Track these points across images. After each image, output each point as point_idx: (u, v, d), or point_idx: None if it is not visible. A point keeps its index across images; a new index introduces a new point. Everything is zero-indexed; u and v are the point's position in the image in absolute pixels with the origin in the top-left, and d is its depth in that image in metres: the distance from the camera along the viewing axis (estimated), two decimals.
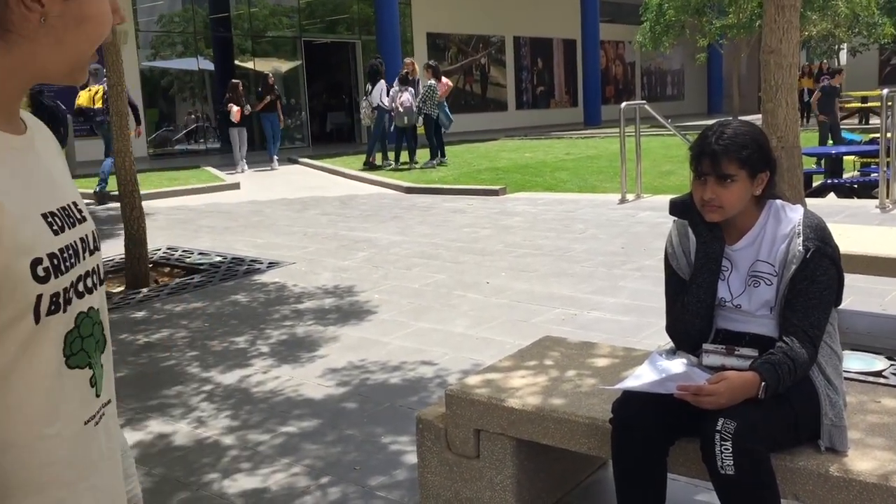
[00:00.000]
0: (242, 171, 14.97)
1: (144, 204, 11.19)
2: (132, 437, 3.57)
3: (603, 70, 30.37)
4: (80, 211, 1.04)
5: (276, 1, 23.37)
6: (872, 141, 12.79)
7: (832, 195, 9.95)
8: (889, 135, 7.84)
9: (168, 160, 18.76)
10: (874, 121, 21.25)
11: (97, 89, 12.04)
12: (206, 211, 10.24)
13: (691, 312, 2.35)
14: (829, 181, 10.40)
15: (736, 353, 2.28)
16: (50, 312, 0.93)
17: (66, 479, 0.97)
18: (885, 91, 7.85)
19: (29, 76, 0.95)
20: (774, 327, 2.29)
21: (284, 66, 22.92)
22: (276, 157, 15.93)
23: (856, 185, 10.68)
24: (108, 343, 1.06)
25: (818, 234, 2.22)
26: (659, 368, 2.25)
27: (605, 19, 29.13)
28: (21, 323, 0.91)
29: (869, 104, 21.96)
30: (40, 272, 0.92)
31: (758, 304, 2.30)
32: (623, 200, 9.32)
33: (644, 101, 10.59)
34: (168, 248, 7.72)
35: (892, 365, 4.02)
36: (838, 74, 16.27)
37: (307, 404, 3.88)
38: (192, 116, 22.01)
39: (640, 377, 2.25)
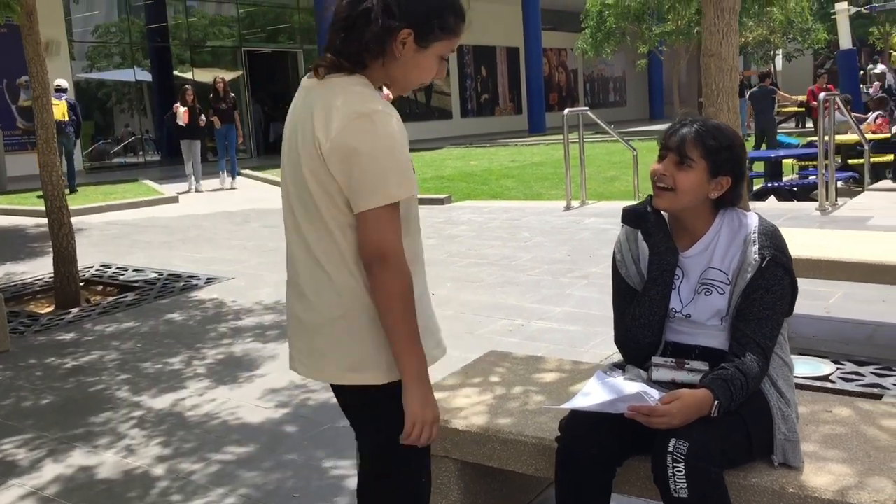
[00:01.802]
0: (197, 191, 13.52)
1: (77, 220, 10.88)
2: (52, 470, 3.36)
3: (546, 77, 30.57)
4: None
5: (216, 11, 23.00)
6: (810, 144, 13.03)
7: (772, 198, 10.07)
8: (826, 138, 7.94)
9: (106, 174, 18.26)
10: (810, 124, 21.70)
11: (62, 104, 13.06)
12: (142, 225, 9.92)
13: (642, 325, 2.25)
14: (769, 184, 10.53)
15: (686, 366, 2.19)
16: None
17: (426, 286, 1.88)
18: (822, 95, 7.95)
19: (384, 82, 1.81)
20: (725, 339, 2.21)
21: (226, 76, 22.53)
22: (225, 173, 14.18)
23: (795, 188, 10.85)
24: None
25: (774, 243, 2.14)
26: (608, 385, 2.14)
27: (546, 27, 29.33)
28: (414, 199, 1.83)
29: (792, 108, 22.41)
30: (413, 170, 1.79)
31: (708, 314, 2.21)
32: (568, 207, 9.28)
33: (587, 108, 10.60)
34: (101, 266, 7.43)
35: (838, 369, 4.00)
36: (767, 78, 16.55)
37: (244, 429, 3.70)
38: (129, 129, 21.49)
39: (589, 395, 2.14)
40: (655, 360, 2.23)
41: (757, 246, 2.14)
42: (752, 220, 2.21)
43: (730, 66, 3.39)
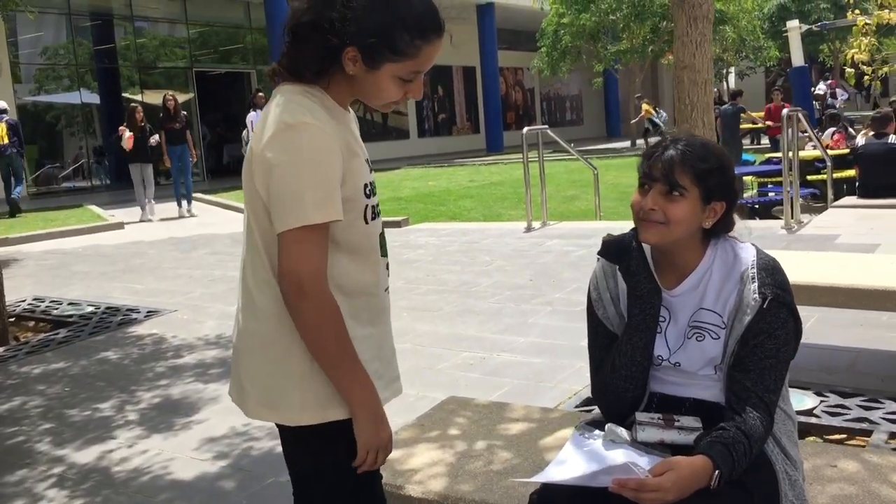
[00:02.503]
0: (150, 220, 12.52)
1: (14, 249, 10.40)
2: None
3: (503, 96, 30.49)
4: (370, 164, 1.73)
5: (167, 31, 22.49)
6: (768, 161, 12.97)
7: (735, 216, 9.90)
8: (791, 154, 7.77)
9: (52, 199, 17.63)
10: (764, 141, 21.81)
11: (2, 126, 13.13)
12: (82, 254, 9.42)
13: (623, 377, 1.94)
14: None
15: (676, 424, 1.88)
16: (372, 218, 1.67)
17: (380, 320, 1.74)
18: (786, 110, 7.79)
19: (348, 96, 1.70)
20: (720, 390, 1.90)
21: (176, 97, 22.05)
22: (184, 201, 13.10)
23: (756, 206, 10.73)
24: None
25: (775, 279, 1.85)
26: (587, 453, 1.82)
27: (503, 46, 29.26)
28: (359, 221, 1.64)
29: (760, 125, 22.56)
30: (366, 191, 1.66)
31: (700, 363, 1.90)
32: (529, 228, 9.01)
33: (546, 126, 10.37)
34: (34, 299, 6.95)
35: (822, 402, 3.74)
36: (738, 96, 16.58)
37: (176, 486, 3.31)
38: (80, 152, 20.84)
39: (565, 463, 1.81)
40: (640, 416, 1.91)
41: (756, 284, 1.84)
42: (749, 253, 1.91)
43: (704, 78, 3.13)
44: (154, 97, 20.43)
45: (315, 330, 1.57)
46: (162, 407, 4.24)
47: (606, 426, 1.95)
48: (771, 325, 1.82)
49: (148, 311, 6.25)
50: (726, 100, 21.68)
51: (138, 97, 20.67)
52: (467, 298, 6.06)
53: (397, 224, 9.99)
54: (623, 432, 1.92)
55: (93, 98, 20.84)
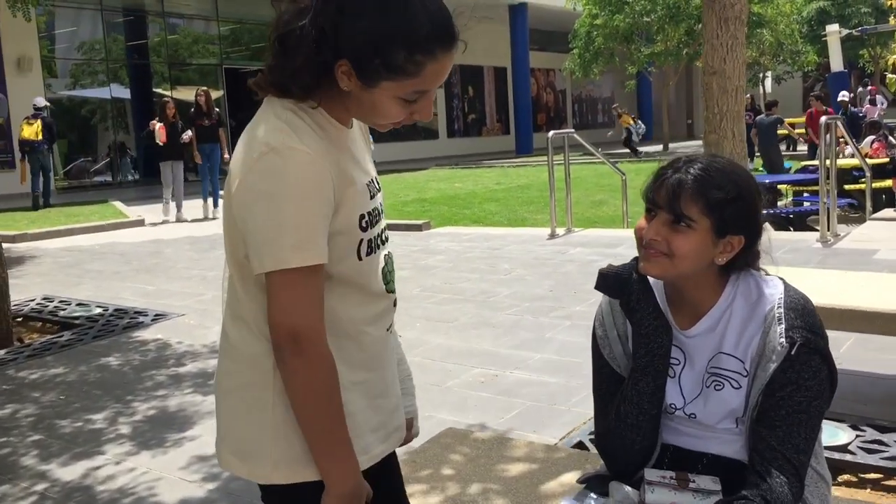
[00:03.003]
0: (178, 220, 11.93)
1: (32, 245, 10.34)
2: None
3: (534, 98, 30.21)
4: (378, 182, 1.55)
5: (202, 28, 22.49)
6: (804, 169, 12.57)
7: (768, 226, 9.57)
8: (828, 162, 7.43)
9: (81, 193, 17.68)
10: (801, 148, 21.31)
11: (36, 123, 13.58)
12: (99, 252, 9.31)
13: (630, 426, 1.69)
14: (764, 212, 10.03)
15: (691, 485, 1.63)
16: (368, 253, 1.46)
17: (377, 363, 1.52)
18: (823, 118, 7.45)
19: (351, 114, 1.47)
20: (742, 446, 1.65)
21: (208, 92, 22.00)
22: (210, 201, 12.37)
23: (791, 216, 10.37)
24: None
25: (806, 321, 1.59)
26: None
27: (534, 47, 28.98)
28: (352, 258, 1.43)
29: (797, 131, 22.05)
30: (362, 224, 1.43)
31: (720, 415, 1.66)
32: (553, 235, 8.74)
33: (573, 130, 10.10)
34: (43, 299, 6.82)
35: (857, 436, 3.45)
36: (774, 107, 16.14)
37: None
38: (109, 147, 20.92)
39: None
40: (649, 474, 1.67)
41: (783, 326, 1.58)
42: (775, 290, 1.65)
43: (735, 85, 2.86)
44: (184, 94, 20.44)
45: (304, 394, 1.37)
46: (156, 420, 4.05)
47: (611, 484, 1.71)
48: (800, 374, 1.57)
49: (155, 315, 6.08)
50: (760, 105, 21.24)
51: (169, 93, 20.70)
52: (484, 309, 5.83)
53: (418, 228, 9.77)
54: (630, 492, 1.67)
55: (124, 93, 20.92)
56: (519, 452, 2.40)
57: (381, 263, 1.50)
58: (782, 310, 1.60)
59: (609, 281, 1.69)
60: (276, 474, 1.44)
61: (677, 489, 1.62)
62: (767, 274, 1.74)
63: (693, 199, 1.56)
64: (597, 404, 1.82)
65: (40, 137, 13.53)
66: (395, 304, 1.57)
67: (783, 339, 1.57)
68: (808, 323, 1.59)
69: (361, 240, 1.44)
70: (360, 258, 1.44)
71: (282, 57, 1.39)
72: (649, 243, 1.59)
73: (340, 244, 1.40)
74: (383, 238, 1.52)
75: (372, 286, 1.48)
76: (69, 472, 3.49)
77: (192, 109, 12.44)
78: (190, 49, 22.39)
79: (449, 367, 4.59)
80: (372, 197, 1.48)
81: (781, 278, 1.71)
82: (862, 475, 3.19)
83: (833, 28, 20.72)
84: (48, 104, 15.10)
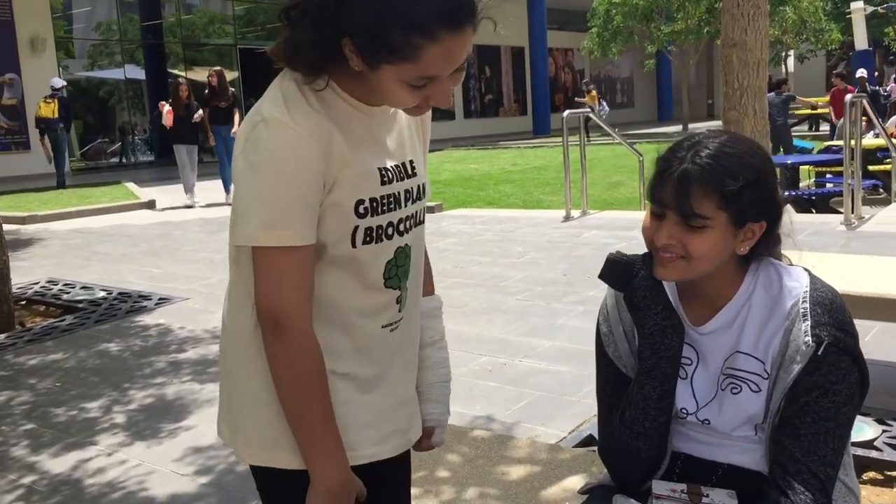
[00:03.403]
0: (193, 206, 11.44)
1: (42, 226, 10.28)
2: None
3: (552, 78, 29.88)
4: (413, 168, 1.42)
5: (220, 8, 22.33)
6: (828, 149, 12.26)
7: (789, 208, 9.32)
8: (853, 142, 7.18)
9: (96, 174, 17.66)
10: (824, 127, 20.92)
11: (53, 103, 13.77)
12: (108, 234, 9.22)
13: (635, 434, 1.53)
14: (786, 193, 9.77)
15: (704, 499, 1.47)
16: (364, 242, 1.34)
17: (369, 359, 1.40)
18: (848, 97, 7.19)
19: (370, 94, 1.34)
20: (761, 456, 1.49)
21: (222, 72, 21.84)
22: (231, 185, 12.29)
23: (813, 198, 10.11)
24: (414, 271, 1.45)
25: (834, 318, 1.41)
26: None
27: (552, 27, 28.61)
28: (344, 242, 1.32)
29: (819, 110, 21.63)
30: (360, 210, 1.32)
31: (736, 421, 1.49)
32: (568, 217, 8.54)
33: (589, 110, 9.87)
34: (48, 281, 6.72)
35: (884, 431, 3.26)
36: (784, 84, 15.77)
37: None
38: (124, 127, 20.90)
39: None
40: (658, 486, 1.51)
41: (808, 322, 1.41)
42: (800, 281, 1.47)
43: (756, 58, 2.65)
44: (199, 74, 20.31)
45: (286, 379, 1.31)
46: (152, 409, 3.92)
47: (615, 498, 1.54)
48: (828, 377, 1.40)
49: (160, 299, 5.96)
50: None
51: (183, 74, 20.59)
52: (495, 294, 5.66)
53: (430, 210, 9.60)
54: None
55: (139, 74, 20.85)
56: (520, 453, 2.24)
57: (388, 256, 1.39)
58: (808, 304, 1.42)
59: (616, 270, 1.53)
60: (248, 454, 1.40)
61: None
62: (791, 263, 1.56)
63: (705, 194, 1.38)
64: (600, 409, 1.66)
65: (56, 115, 13.64)
66: (401, 302, 1.44)
67: (809, 338, 1.40)
68: (837, 319, 1.41)
69: (357, 226, 1.33)
70: (353, 245, 1.34)
71: (288, 31, 1.32)
72: (663, 248, 1.42)
73: (331, 227, 1.32)
74: (400, 229, 1.39)
75: (369, 277, 1.38)
76: (59, 464, 3.37)
77: (206, 91, 12.11)
78: (205, 29, 22.25)
79: (456, 356, 4.40)
80: (387, 182, 1.36)
81: (807, 269, 1.53)
82: (888, 472, 3.02)
83: (858, 5, 20.24)
84: (66, 84, 15.23)
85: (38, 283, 6.64)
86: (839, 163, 8.52)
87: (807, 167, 11.59)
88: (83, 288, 6.39)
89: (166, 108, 11.48)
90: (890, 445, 3.13)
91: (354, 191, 1.32)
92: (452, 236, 8.02)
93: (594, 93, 23.71)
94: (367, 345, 1.41)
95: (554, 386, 3.91)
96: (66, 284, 6.56)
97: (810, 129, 22.71)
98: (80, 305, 5.87)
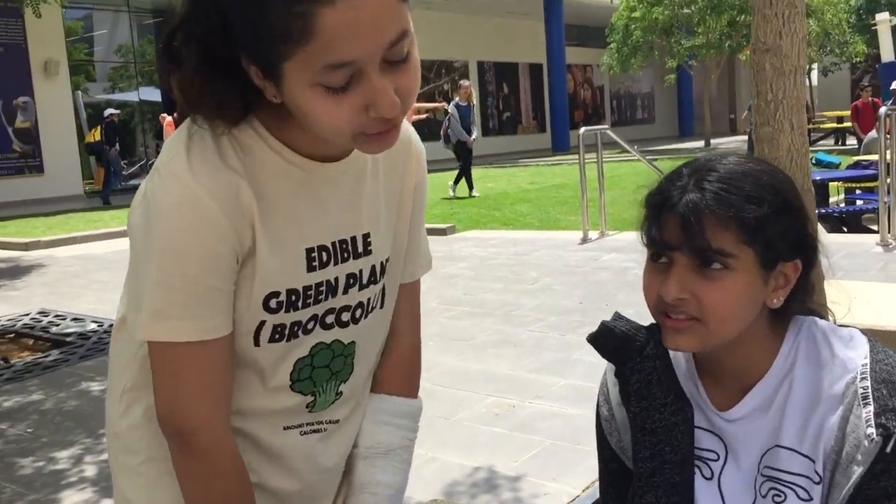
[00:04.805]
0: None
1: (44, 253, 10.03)
2: None
3: (571, 94, 29.56)
4: (368, 244, 1.09)
5: None
6: (857, 164, 11.79)
7: (822, 229, 8.88)
8: (889, 156, 6.76)
9: (115, 196, 17.51)
10: (851, 141, 20.40)
11: (98, 128, 16.13)
12: (110, 260, 8.93)
13: None
14: (816, 211, 9.33)
15: None
16: (272, 340, 1.04)
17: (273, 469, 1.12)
18: (883, 109, 6.79)
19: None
20: None
21: None
22: None
23: (844, 215, 9.65)
24: (360, 372, 1.15)
25: None
26: None
27: (571, 43, 28.33)
28: (245, 338, 1.03)
29: (844, 124, 21.13)
30: (272, 304, 1.02)
31: None
32: (585, 239, 8.16)
33: (607, 126, 9.52)
34: (39, 312, 6.43)
35: None
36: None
37: None
38: (140, 150, 20.81)
39: None
40: None
41: (870, 408, 1.03)
42: (857, 352, 1.09)
43: (793, 65, 2.28)
44: None
45: (204, 501, 1.05)
46: None
47: None
48: None
49: None
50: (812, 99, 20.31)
51: None
52: (506, 325, 5.29)
53: (442, 232, 9.25)
54: None
55: (154, 96, 20.78)
56: None
57: (301, 353, 1.09)
58: (868, 382, 1.05)
59: (609, 343, 1.17)
60: None
61: None
62: (839, 324, 1.18)
63: (723, 224, 1.03)
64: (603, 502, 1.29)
65: (97, 139, 15.98)
66: (314, 407, 1.13)
67: (872, 430, 1.02)
68: None
69: (263, 322, 1.04)
70: (256, 343, 1.05)
71: (176, 70, 1.00)
72: (674, 305, 1.06)
73: (235, 318, 1.03)
74: (326, 322, 1.09)
75: (270, 379, 1.09)
76: None
77: None
78: None
79: (461, 396, 4.06)
80: (318, 268, 1.05)
81: (865, 333, 1.15)
82: None
83: (883, 16, 19.73)
84: (114, 111, 16.90)
85: (28, 315, 6.35)
86: (869, 178, 8.08)
87: (835, 184, 11.12)
88: (74, 319, 6.09)
89: (167, 119, 11.38)
90: None
91: (264, 282, 1.02)
92: (464, 260, 7.66)
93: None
94: (266, 452, 1.14)
95: (567, 432, 3.53)
96: (57, 316, 6.26)
97: (836, 143, 22.18)
98: (69, 339, 5.56)
